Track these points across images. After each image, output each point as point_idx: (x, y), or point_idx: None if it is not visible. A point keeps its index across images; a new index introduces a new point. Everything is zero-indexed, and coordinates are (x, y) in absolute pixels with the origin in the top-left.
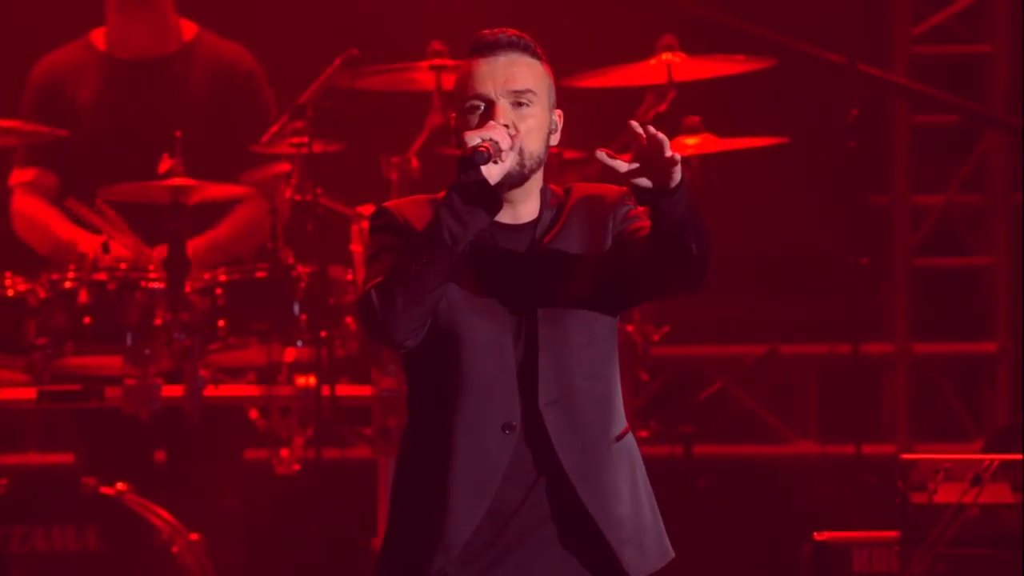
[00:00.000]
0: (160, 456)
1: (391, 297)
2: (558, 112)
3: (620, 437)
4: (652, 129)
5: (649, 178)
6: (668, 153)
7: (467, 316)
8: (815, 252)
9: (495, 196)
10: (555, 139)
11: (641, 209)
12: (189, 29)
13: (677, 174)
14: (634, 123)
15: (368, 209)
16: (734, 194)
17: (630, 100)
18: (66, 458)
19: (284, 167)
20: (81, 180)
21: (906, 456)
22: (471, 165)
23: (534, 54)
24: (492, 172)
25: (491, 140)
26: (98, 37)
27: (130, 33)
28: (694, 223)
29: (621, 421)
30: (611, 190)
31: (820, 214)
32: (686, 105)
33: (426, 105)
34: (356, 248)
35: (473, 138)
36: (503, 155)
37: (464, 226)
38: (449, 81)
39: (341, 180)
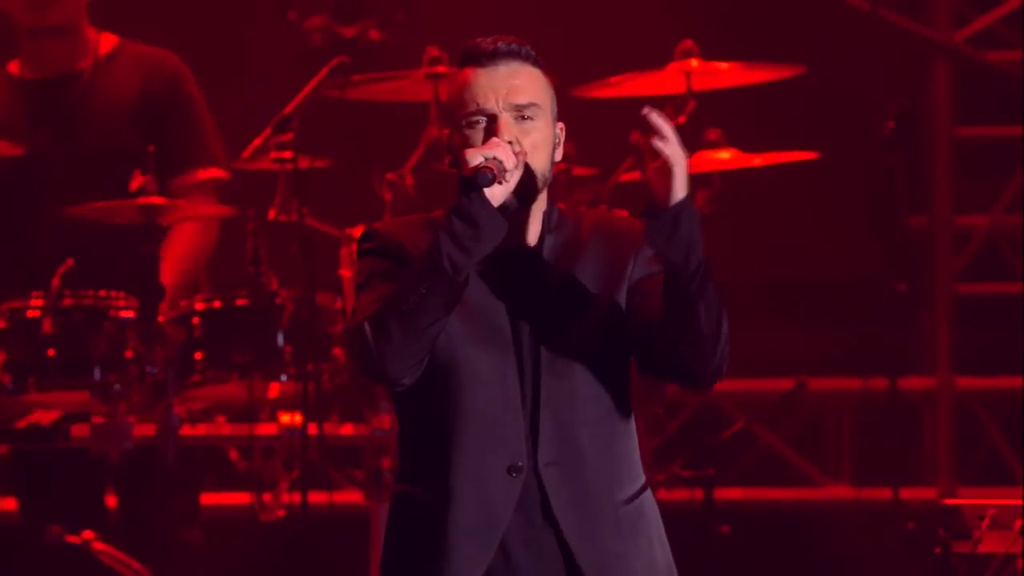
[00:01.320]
0: (126, 500)
1: (386, 330)
2: (560, 125)
3: (632, 498)
4: (654, 117)
5: (656, 187)
6: (660, 145)
7: (467, 347)
8: (848, 277)
9: (500, 220)
10: (558, 154)
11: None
12: (108, 41)
13: (679, 183)
14: (646, 109)
15: (359, 231)
16: (759, 214)
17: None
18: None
19: (216, 173)
20: (14, 201)
21: (948, 501)
22: (474, 187)
23: (535, 63)
24: (496, 194)
25: (495, 159)
26: (15, 66)
27: (42, 54)
28: (707, 304)
29: (635, 479)
30: (633, 226)
31: (853, 236)
32: (707, 117)
33: (422, 117)
34: (346, 273)
35: (475, 156)
36: (508, 175)
37: (466, 253)
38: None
39: (329, 199)
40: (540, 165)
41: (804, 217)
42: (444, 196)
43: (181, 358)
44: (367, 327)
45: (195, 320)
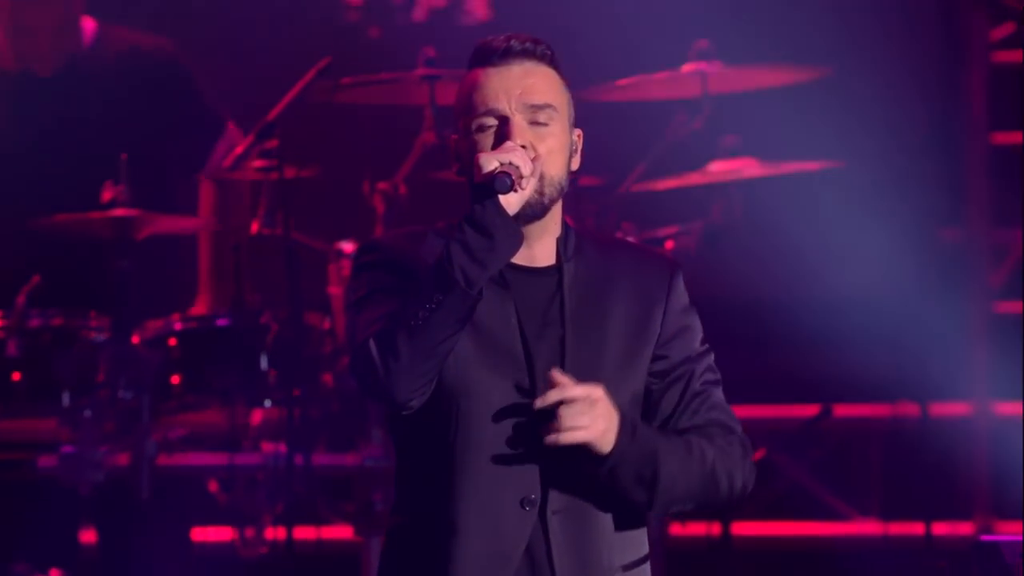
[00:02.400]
0: (94, 536)
1: (393, 348)
2: (577, 132)
3: (632, 566)
4: (553, 439)
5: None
6: (555, 437)
7: (478, 371)
8: (876, 295)
9: (516, 230)
10: (575, 163)
11: (697, 335)
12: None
13: (600, 447)
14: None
15: (349, 245)
16: (779, 227)
17: (657, 116)
18: None
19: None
20: None
21: (986, 538)
22: (489, 193)
23: (552, 63)
24: (511, 202)
25: (511, 164)
26: None
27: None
28: (692, 500)
29: (639, 547)
30: (663, 264)
31: (882, 251)
32: (724, 123)
33: (417, 122)
34: (335, 291)
35: (490, 161)
36: (524, 182)
37: (481, 266)
38: (444, 94)
39: (317, 211)
40: (555, 173)
41: (828, 231)
42: (442, 207)
43: (157, 382)
44: (372, 345)
45: (172, 341)
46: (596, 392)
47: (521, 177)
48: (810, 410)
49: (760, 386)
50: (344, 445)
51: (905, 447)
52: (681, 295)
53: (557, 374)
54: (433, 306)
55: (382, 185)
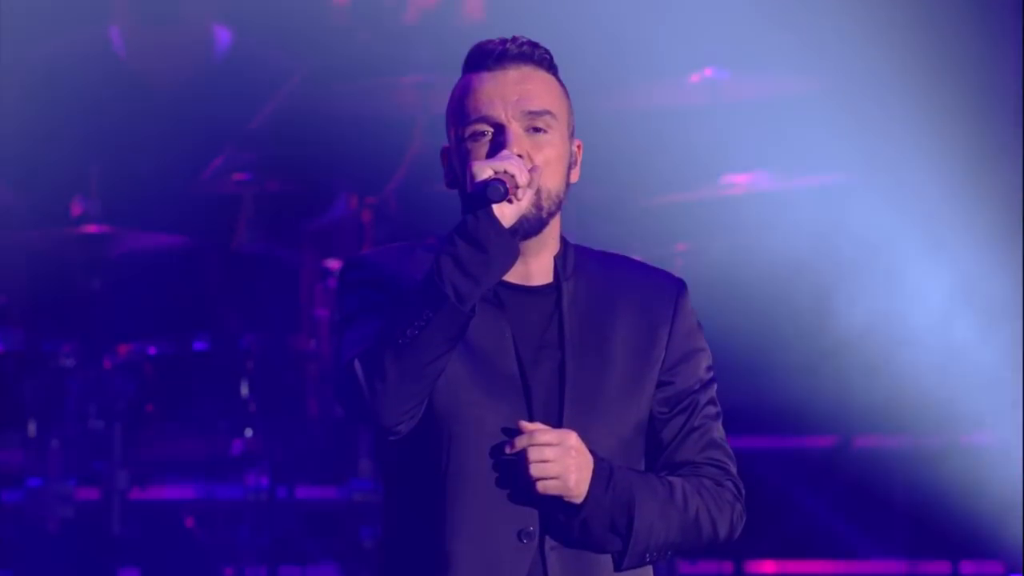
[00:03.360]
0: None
1: (380, 369)
2: (577, 142)
3: None
4: (521, 440)
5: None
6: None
7: (471, 394)
8: (899, 318)
9: (512, 243)
10: (575, 175)
11: (702, 364)
12: None
13: (572, 495)
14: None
15: (336, 263)
16: (793, 245)
17: (666, 126)
18: None
19: None
20: None
21: None
22: (482, 203)
23: (551, 67)
24: (506, 214)
25: (506, 172)
26: None
27: None
28: (678, 545)
29: None
30: (667, 287)
31: (905, 271)
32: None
33: (407, 132)
34: (321, 312)
35: (483, 169)
36: (519, 192)
37: (473, 281)
38: (437, 102)
39: (300, 226)
40: (553, 186)
41: (841, 251)
42: (432, 220)
43: (130, 411)
44: (358, 365)
45: (146, 367)
46: (569, 439)
47: (517, 187)
48: (827, 441)
49: (775, 416)
50: (331, 477)
51: (931, 480)
52: (688, 316)
53: (525, 424)
54: (422, 323)
55: (370, 199)
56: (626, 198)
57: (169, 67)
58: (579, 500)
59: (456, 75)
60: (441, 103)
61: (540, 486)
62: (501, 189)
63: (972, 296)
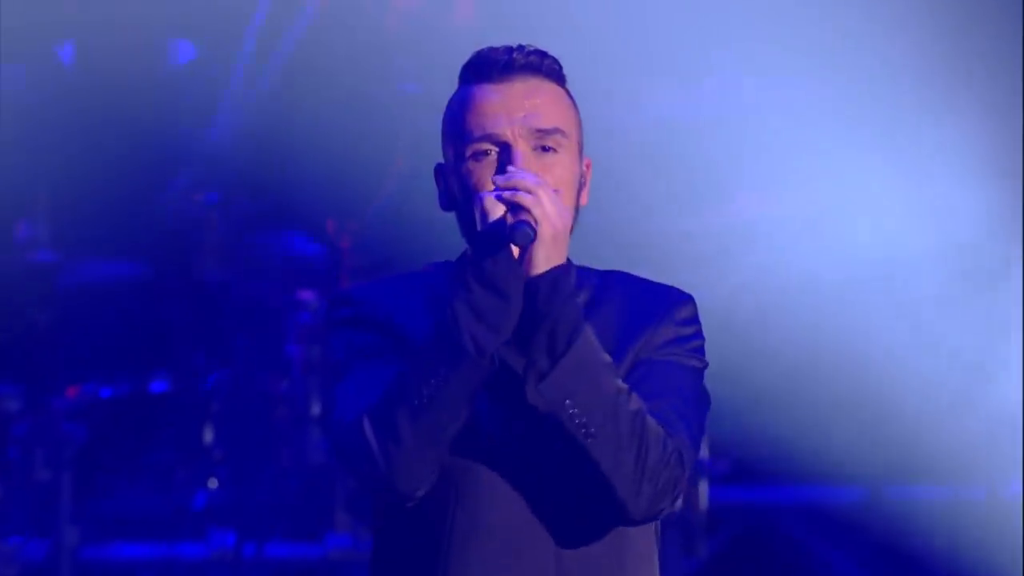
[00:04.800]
0: None
1: (394, 431)
2: (586, 161)
3: None
4: (503, 177)
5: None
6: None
7: (475, 439)
8: (936, 361)
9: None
10: (584, 198)
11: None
12: None
13: (541, 257)
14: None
15: (310, 294)
16: (816, 274)
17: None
18: None
19: None
20: None
21: None
22: (500, 244)
23: (560, 79)
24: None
25: (529, 206)
26: None
27: None
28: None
29: None
30: (673, 292)
31: (942, 308)
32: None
33: (389, 149)
34: (294, 348)
35: (496, 204)
36: (545, 226)
37: (494, 331)
38: (424, 115)
39: (273, 252)
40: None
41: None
42: (421, 246)
43: (81, 460)
44: (368, 426)
45: (99, 411)
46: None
47: (538, 223)
48: (857, 494)
49: (800, 465)
50: (305, 532)
51: (969, 535)
52: (680, 325)
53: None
54: (440, 381)
55: (348, 223)
56: (628, 219)
57: (125, 79)
58: (540, 266)
59: (444, 85)
60: (427, 117)
61: (521, 196)
62: (531, 234)
63: (1011, 333)
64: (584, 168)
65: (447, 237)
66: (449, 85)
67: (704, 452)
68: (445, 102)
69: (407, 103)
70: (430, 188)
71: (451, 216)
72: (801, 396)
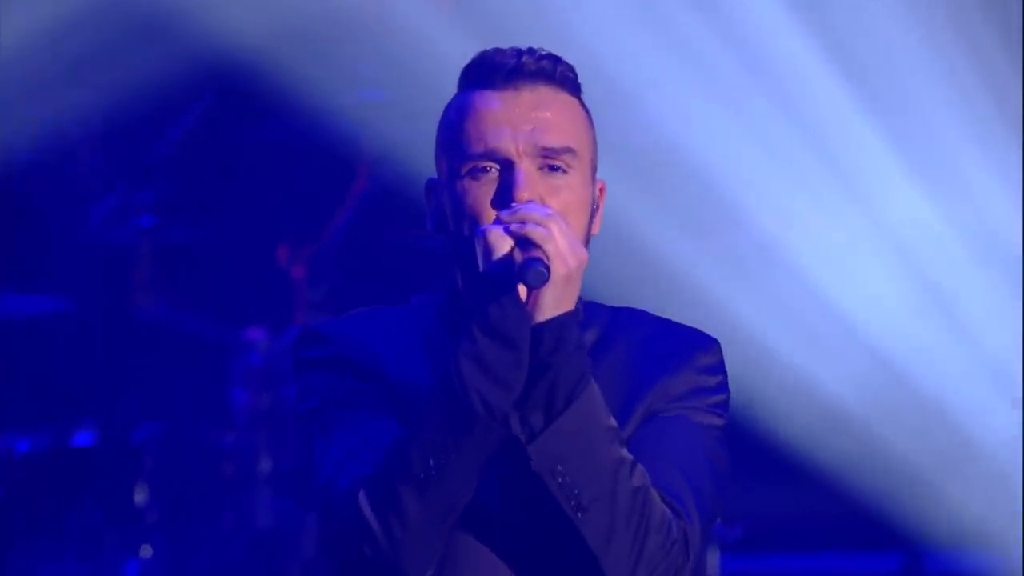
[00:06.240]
0: None
1: (399, 509)
2: (600, 184)
3: None
4: (512, 210)
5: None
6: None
7: (487, 501)
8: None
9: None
10: (596, 226)
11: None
12: None
13: (550, 300)
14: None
15: (258, 332)
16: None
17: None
18: None
19: None
20: None
21: None
22: (507, 286)
23: (575, 89)
24: (540, 302)
25: (540, 241)
26: None
27: None
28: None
29: None
30: (696, 335)
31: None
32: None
33: (349, 164)
34: (241, 394)
35: (502, 241)
36: (558, 263)
37: (504, 386)
38: (391, 125)
39: (214, 283)
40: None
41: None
42: (384, 275)
43: None
44: (364, 501)
45: (15, 467)
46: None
47: (558, 256)
48: (890, 563)
49: (823, 531)
50: None
51: None
52: (701, 373)
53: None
54: (447, 449)
55: (302, 248)
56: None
57: None
58: (546, 311)
59: (415, 91)
60: (395, 127)
61: (531, 230)
62: (545, 273)
63: None
64: (597, 192)
65: (419, 265)
66: (421, 91)
67: None
68: (414, 110)
69: (370, 111)
70: (398, 207)
71: (423, 242)
72: (836, 457)
